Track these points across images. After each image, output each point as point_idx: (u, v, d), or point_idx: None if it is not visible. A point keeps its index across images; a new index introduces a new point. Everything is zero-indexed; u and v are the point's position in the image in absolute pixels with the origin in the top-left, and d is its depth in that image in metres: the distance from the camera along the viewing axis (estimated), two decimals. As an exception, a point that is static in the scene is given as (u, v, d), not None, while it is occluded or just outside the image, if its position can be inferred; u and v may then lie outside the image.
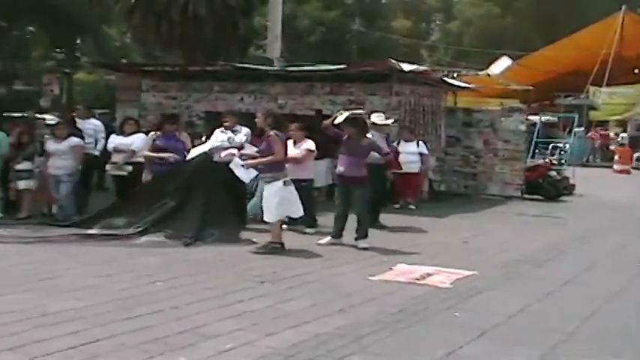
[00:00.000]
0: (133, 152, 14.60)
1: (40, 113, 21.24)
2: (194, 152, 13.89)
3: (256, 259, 11.27)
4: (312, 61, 22.04)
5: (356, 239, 12.60)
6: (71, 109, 28.29)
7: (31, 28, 33.08)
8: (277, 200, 11.72)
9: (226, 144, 14.02)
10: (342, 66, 19.08)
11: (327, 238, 12.76)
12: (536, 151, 29.05)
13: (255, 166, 12.32)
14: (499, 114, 21.97)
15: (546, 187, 21.48)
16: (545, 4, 62.84)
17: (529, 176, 21.53)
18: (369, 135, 13.93)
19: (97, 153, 16.35)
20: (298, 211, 12.14)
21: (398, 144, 17.83)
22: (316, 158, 14.62)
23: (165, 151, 13.75)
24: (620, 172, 34.47)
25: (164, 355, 6.64)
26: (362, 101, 18.94)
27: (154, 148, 13.86)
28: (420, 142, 18.04)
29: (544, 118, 35.15)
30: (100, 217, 13.47)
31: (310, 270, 10.63)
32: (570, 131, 35.60)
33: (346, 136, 12.82)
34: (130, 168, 14.54)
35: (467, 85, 24.20)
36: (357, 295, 9.13)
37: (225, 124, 14.44)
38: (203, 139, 14.89)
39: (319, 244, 12.55)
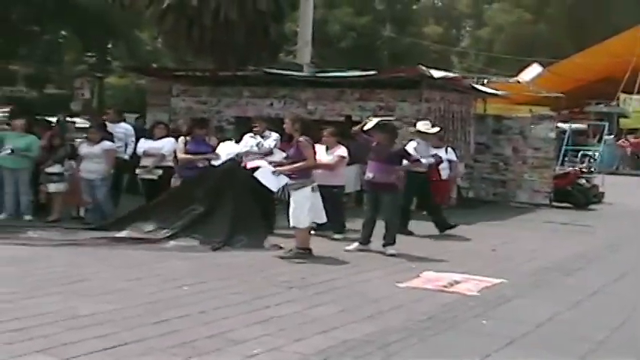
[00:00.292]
0: (163, 156, 14.67)
1: (71, 117, 21.40)
2: (222, 148, 13.88)
3: (284, 265, 11.28)
4: (343, 67, 22.05)
5: (384, 245, 12.57)
6: (102, 112, 28.52)
7: (63, 33, 33.31)
8: (308, 207, 11.71)
9: (255, 149, 14.07)
10: (372, 72, 19.07)
11: (355, 244, 12.75)
12: (566, 158, 28.94)
13: (285, 173, 12.19)
14: (529, 121, 21.89)
15: (576, 195, 21.36)
16: (576, 10, 62.51)
17: (558, 184, 21.42)
18: (414, 143, 13.96)
19: (126, 157, 16.45)
20: (323, 217, 12.13)
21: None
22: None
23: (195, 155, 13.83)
24: (651, 180, 34.17)
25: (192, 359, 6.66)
26: (392, 107, 18.94)
27: (185, 153, 13.90)
28: (449, 149, 17.93)
29: (574, 125, 34.99)
30: (129, 220, 13.54)
31: (338, 276, 10.62)
32: (600, 139, 35.40)
33: (375, 142, 12.80)
34: (160, 172, 14.62)
35: (497, 92, 24.14)
36: (385, 302, 9.12)
37: (255, 129, 14.47)
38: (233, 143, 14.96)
39: (347, 250, 12.55)
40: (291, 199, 11.93)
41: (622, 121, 46.62)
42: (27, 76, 47.23)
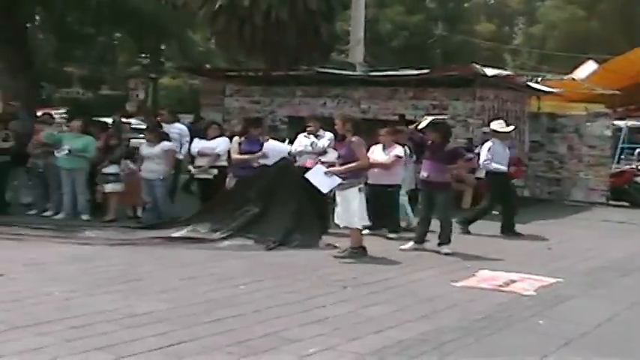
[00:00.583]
0: (218, 156, 14.76)
1: (126, 117, 21.63)
2: (269, 147, 13.86)
3: (338, 264, 11.28)
4: (395, 66, 22.00)
5: (439, 245, 12.53)
6: (156, 113, 28.76)
7: (117, 34, 33.64)
8: (361, 206, 11.68)
9: (309, 149, 14.09)
10: (425, 71, 19.01)
11: (410, 244, 12.71)
12: (622, 156, 28.53)
13: (338, 174, 11.97)
14: (584, 119, 21.66)
15: (632, 194, 21.08)
16: (628, 7, 61.59)
17: (614, 182, 21.17)
18: (489, 143, 13.93)
19: (181, 157, 16.58)
20: (366, 220, 12.02)
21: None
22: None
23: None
24: None
25: (247, 358, 6.69)
26: (445, 106, 18.87)
27: (239, 153, 13.95)
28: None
29: (630, 123, 34.50)
30: (184, 222, 13.65)
31: (392, 275, 10.60)
32: (657, 137, 34.85)
33: (430, 141, 12.75)
34: (215, 171, 14.70)
35: (551, 90, 23.90)
36: (440, 301, 9.08)
37: (309, 128, 14.47)
38: (286, 142, 14.99)
39: (402, 250, 12.51)
40: (337, 198, 11.89)
41: (679, 118, 45.82)
42: (82, 77, 47.84)
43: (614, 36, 59.92)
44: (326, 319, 8.08)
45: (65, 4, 26.08)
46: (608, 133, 21.43)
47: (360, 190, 11.70)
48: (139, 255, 11.58)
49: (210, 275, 10.24)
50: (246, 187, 13.59)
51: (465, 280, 10.28)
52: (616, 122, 25.79)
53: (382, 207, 13.81)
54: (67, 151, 14.83)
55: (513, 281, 10.30)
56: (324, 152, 13.93)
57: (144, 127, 22.17)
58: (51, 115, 18.80)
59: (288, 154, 14.20)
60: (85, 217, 14.98)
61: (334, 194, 12.00)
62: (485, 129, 15.83)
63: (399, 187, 14.11)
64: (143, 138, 15.59)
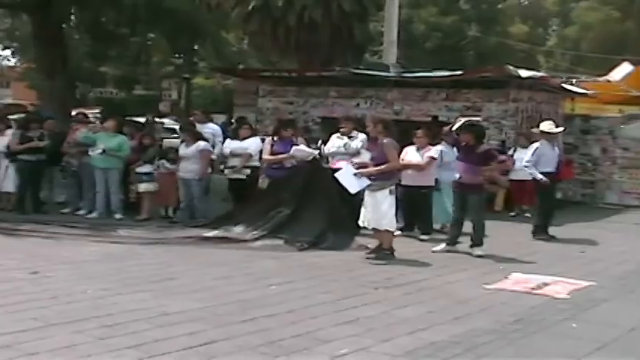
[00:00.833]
0: (250, 156, 14.80)
1: (160, 117, 21.75)
2: (298, 149, 13.84)
3: (370, 265, 11.27)
4: (428, 67, 21.94)
5: (471, 246, 12.49)
6: (189, 113, 28.88)
7: (151, 35, 33.80)
8: (390, 209, 11.66)
9: (342, 150, 14.08)
10: (458, 72, 18.95)
11: (442, 245, 12.68)
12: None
13: (367, 175, 11.87)
14: (618, 121, 21.51)
15: (667, 197, 20.91)
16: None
17: (648, 185, 20.99)
18: (537, 144, 13.87)
19: (214, 157, 16.64)
20: (394, 224, 11.98)
21: (514, 151, 17.67)
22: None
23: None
24: None
25: (279, 358, 6.70)
26: (478, 108, 18.79)
27: (271, 153, 13.98)
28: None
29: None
30: (217, 223, 13.68)
31: (425, 277, 10.58)
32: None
33: (463, 143, 12.70)
34: (248, 171, 14.75)
35: (585, 92, 23.74)
36: (473, 303, 9.05)
37: (342, 129, 14.45)
38: (319, 143, 15.00)
39: (434, 251, 12.49)
40: (365, 199, 11.81)
41: None
42: (116, 77, 48.13)
43: (650, 37, 59.38)
44: (358, 319, 8.07)
45: (101, 3, 26.25)
46: (643, 135, 21.24)
47: (390, 192, 11.67)
48: (172, 254, 11.65)
49: (243, 275, 10.28)
50: (278, 188, 13.62)
51: (497, 283, 10.23)
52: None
53: (415, 208, 13.80)
54: (101, 151, 14.93)
55: (546, 284, 10.23)
56: (357, 153, 13.90)
57: (177, 126, 22.29)
58: (85, 114, 18.94)
59: (320, 155, 14.20)
60: (118, 216, 15.09)
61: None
62: (535, 130, 15.71)
63: (432, 188, 14.08)
64: (176, 138, 15.65)
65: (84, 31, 32.05)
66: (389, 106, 19.93)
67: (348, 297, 9.10)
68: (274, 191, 13.70)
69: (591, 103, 25.73)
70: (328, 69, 22.48)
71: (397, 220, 12.26)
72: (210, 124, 18.18)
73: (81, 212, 15.47)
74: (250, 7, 32.10)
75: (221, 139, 17.01)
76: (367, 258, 11.65)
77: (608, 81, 28.27)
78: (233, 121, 21.67)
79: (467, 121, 13.09)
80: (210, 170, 15.50)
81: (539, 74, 21.62)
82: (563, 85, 22.09)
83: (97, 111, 29.77)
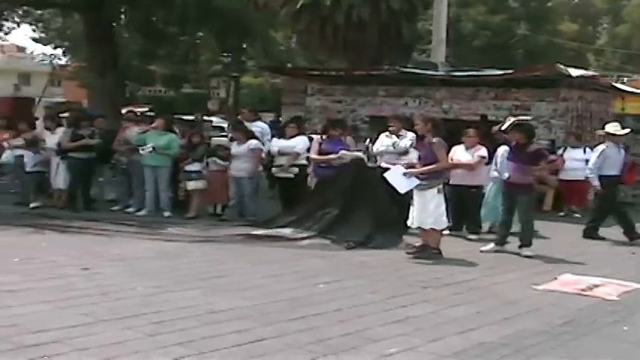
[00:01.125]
0: (297, 154, 14.82)
1: (208, 116, 21.87)
2: (347, 153, 13.82)
3: (418, 265, 11.25)
4: (477, 66, 21.83)
5: (519, 247, 12.40)
6: (237, 111, 29.01)
7: (200, 33, 34.03)
8: (438, 208, 11.62)
9: (391, 149, 14.05)
10: (509, 71, 18.83)
11: (491, 245, 12.61)
12: None
13: (417, 175, 11.83)
14: (671, 121, 21.24)
15: None
16: None
17: (701, 186, 20.68)
18: (602, 146, 13.75)
19: (263, 155, 16.68)
20: (443, 223, 11.94)
21: (564, 150, 17.53)
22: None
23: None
24: None
25: (328, 357, 6.71)
26: (528, 107, 18.64)
27: (320, 152, 13.99)
28: (587, 149, 17.56)
29: None
30: (266, 224, 13.70)
31: (473, 277, 10.54)
32: None
33: (513, 143, 12.61)
34: (296, 170, 14.77)
35: (636, 91, 23.48)
36: (522, 304, 8.99)
37: (391, 128, 14.42)
38: (367, 142, 14.98)
39: (483, 251, 12.43)
40: (414, 198, 11.79)
41: None
42: (165, 76, 48.41)
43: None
44: (407, 319, 8.07)
45: (151, 3, 26.49)
46: (695, 135, 20.94)
47: (438, 190, 11.64)
48: (221, 252, 11.72)
49: (292, 273, 10.31)
50: (326, 188, 13.63)
51: (546, 284, 10.15)
52: None
53: (464, 208, 13.75)
54: (150, 149, 15.03)
55: (596, 286, 10.12)
56: (405, 152, 13.88)
57: (225, 125, 22.40)
58: (135, 112, 19.10)
59: (367, 155, 14.19)
60: (167, 214, 15.20)
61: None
62: (600, 132, 15.55)
63: (481, 187, 14.01)
64: (224, 136, 15.73)
65: (134, 30, 32.37)
66: (437, 105, 19.86)
67: (397, 296, 9.09)
68: (322, 191, 13.71)
69: (643, 102, 25.47)
70: (377, 68, 22.45)
71: (448, 220, 12.22)
72: (259, 123, 18.24)
73: (130, 210, 15.62)
74: (298, 6, 32.10)
75: (269, 137, 17.07)
76: (409, 256, 11.62)
77: (660, 80, 27.95)
78: (281, 119, 21.73)
79: (516, 120, 13.00)
80: (260, 168, 15.55)
81: (589, 73, 21.44)
82: (614, 84, 21.84)
83: (146, 109, 29.98)
